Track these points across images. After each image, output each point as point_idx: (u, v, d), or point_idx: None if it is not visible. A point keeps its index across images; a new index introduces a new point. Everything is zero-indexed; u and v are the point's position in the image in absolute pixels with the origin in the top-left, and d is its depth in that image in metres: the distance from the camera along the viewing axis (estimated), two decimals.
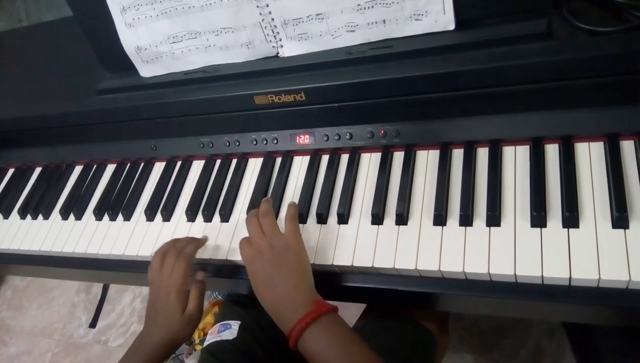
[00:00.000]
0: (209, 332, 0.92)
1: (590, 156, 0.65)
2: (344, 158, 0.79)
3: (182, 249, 0.73)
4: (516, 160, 0.69)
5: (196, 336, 1.48)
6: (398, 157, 0.75)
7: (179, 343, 0.71)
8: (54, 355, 1.82)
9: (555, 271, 0.58)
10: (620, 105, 0.64)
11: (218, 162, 0.88)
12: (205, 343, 0.89)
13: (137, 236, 0.85)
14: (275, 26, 0.75)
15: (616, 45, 0.60)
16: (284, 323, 0.63)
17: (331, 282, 0.70)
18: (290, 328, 0.60)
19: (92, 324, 1.84)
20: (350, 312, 1.40)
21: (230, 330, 0.88)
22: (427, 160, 0.73)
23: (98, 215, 0.91)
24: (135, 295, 1.85)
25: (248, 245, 0.68)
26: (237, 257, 0.75)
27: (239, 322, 0.88)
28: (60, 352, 1.82)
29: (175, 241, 0.76)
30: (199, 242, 0.77)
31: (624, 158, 0.63)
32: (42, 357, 1.83)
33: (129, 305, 1.84)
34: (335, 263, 0.69)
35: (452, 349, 1.35)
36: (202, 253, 0.77)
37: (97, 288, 1.92)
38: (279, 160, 0.84)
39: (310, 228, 0.74)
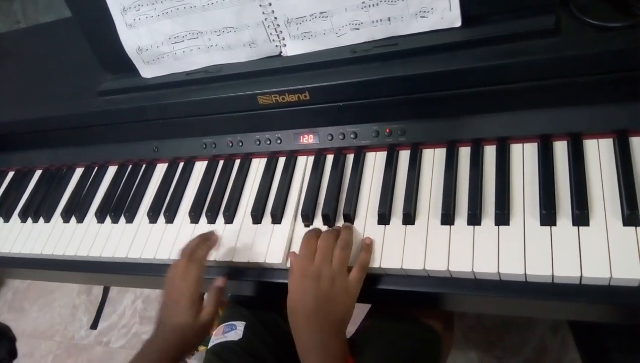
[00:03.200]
0: (214, 332, 0.92)
1: (599, 153, 0.65)
2: (349, 157, 0.78)
3: (194, 251, 0.72)
4: (524, 158, 0.68)
5: None
6: (404, 155, 0.75)
7: (188, 350, 0.70)
8: (55, 357, 1.81)
9: (566, 270, 0.58)
10: (630, 102, 0.63)
11: (221, 162, 0.87)
12: (210, 344, 0.89)
13: (139, 239, 0.84)
14: (278, 25, 0.74)
15: (625, 40, 0.59)
16: (308, 358, 0.63)
17: None
18: None
19: (94, 325, 1.84)
20: (355, 311, 1.40)
21: (236, 330, 0.87)
22: (433, 159, 0.73)
23: (100, 217, 0.90)
24: (136, 295, 1.84)
25: (310, 260, 0.66)
26: (241, 259, 0.75)
27: (244, 323, 0.87)
28: (61, 353, 1.82)
29: (191, 241, 0.74)
30: (211, 243, 0.75)
31: (633, 155, 0.63)
32: (43, 359, 1.82)
33: (130, 306, 1.83)
34: None
35: (456, 347, 1.35)
36: (209, 255, 0.76)
37: (98, 289, 1.91)
38: (282, 160, 0.83)
39: None
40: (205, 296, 0.73)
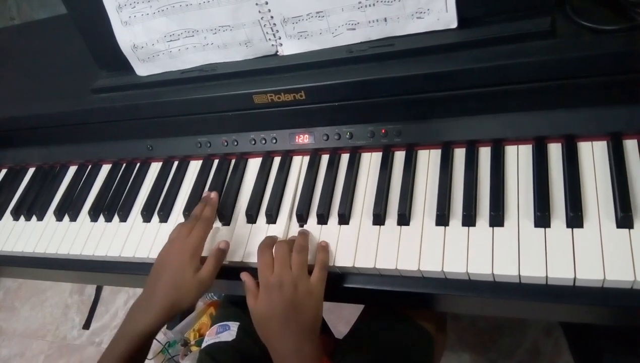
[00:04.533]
0: (207, 333, 0.91)
1: (593, 155, 0.65)
2: (344, 158, 0.78)
3: (200, 213, 0.73)
4: (519, 159, 0.68)
5: (192, 337, 1.47)
6: (399, 156, 0.75)
7: (183, 307, 0.68)
8: (47, 357, 1.80)
9: (560, 271, 0.58)
10: (624, 105, 0.63)
11: (216, 162, 0.87)
12: (204, 345, 0.88)
13: (133, 237, 0.84)
14: (274, 24, 0.74)
15: (620, 43, 0.60)
16: None
17: (332, 283, 0.69)
18: None
19: (86, 325, 1.83)
20: (347, 311, 1.40)
21: (229, 331, 0.87)
22: (428, 160, 0.73)
23: (93, 216, 0.89)
24: (129, 295, 1.83)
25: (270, 271, 0.65)
26: (236, 258, 0.74)
27: (237, 323, 0.87)
28: (53, 353, 1.80)
29: (195, 208, 0.75)
30: (213, 202, 0.76)
31: (627, 157, 0.63)
32: (34, 359, 1.81)
33: (122, 306, 1.82)
34: (337, 264, 0.68)
35: (450, 348, 1.35)
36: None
37: (91, 289, 1.90)
38: (278, 160, 0.83)
39: (311, 229, 0.73)
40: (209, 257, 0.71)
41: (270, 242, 0.69)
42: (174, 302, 0.66)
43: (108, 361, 0.66)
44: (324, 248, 0.69)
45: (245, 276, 0.69)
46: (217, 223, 0.80)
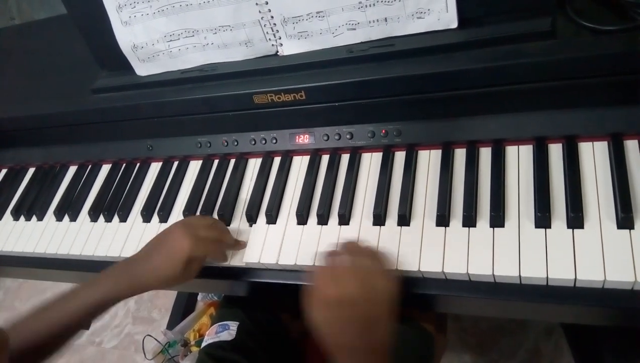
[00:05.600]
0: (207, 333, 0.91)
1: (594, 156, 0.65)
2: (345, 158, 0.78)
3: (223, 235, 0.73)
4: (519, 160, 0.68)
5: (192, 338, 1.47)
6: (399, 157, 0.75)
7: (170, 282, 0.67)
8: None
9: (560, 272, 0.58)
10: (625, 105, 0.63)
11: (216, 162, 0.87)
12: (203, 345, 0.88)
13: (133, 237, 0.84)
14: (274, 24, 0.74)
15: (621, 44, 0.60)
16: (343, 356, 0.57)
17: None
18: None
19: (86, 325, 1.82)
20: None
21: (229, 330, 0.86)
22: (429, 160, 0.73)
23: (93, 216, 0.89)
24: None
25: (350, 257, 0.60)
26: (236, 258, 0.74)
27: (237, 323, 0.87)
28: None
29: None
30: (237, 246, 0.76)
31: (628, 158, 0.63)
32: None
33: (123, 306, 1.82)
34: None
35: (451, 349, 1.34)
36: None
37: None
38: (278, 160, 0.82)
39: (311, 230, 0.73)
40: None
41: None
42: (165, 270, 0.67)
43: (77, 299, 0.66)
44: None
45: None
46: None
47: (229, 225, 0.79)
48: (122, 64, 0.84)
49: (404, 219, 0.68)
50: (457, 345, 1.36)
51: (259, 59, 0.78)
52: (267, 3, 0.72)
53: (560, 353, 1.27)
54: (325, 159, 0.79)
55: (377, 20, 0.69)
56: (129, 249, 0.82)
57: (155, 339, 1.32)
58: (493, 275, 0.60)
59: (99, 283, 0.68)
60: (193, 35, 0.78)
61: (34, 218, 0.95)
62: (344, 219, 0.71)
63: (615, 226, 0.59)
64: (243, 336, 0.85)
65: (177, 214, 0.84)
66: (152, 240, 0.71)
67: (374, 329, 0.57)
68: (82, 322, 0.68)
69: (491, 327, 1.36)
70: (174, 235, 0.69)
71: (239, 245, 0.75)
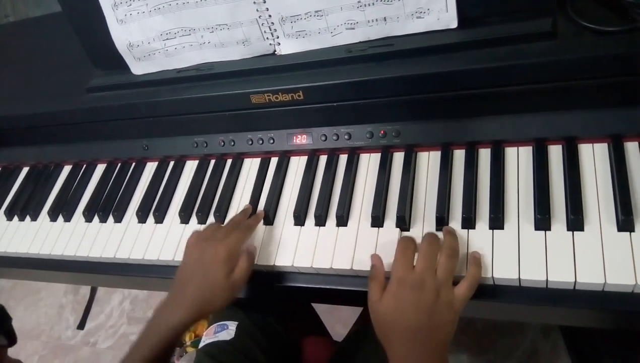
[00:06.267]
0: (205, 333, 0.90)
1: (594, 158, 0.64)
2: (343, 158, 0.77)
3: (239, 221, 0.71)
4: (519, 161, 0.67)
5: (187, 338, 1.46)
6: (398, 157, 0.74)
7: (214, 308, 0.66)
8: (41, 358, 1.79)
9: (560, 275, 0.57)
10: (625, 106, 0.63)
11: (212, 162, 0.86)
12: (201, 345, 0.87)
13: (128, 238, 0.83)
14: (272, 23, 0.73)
15: (622, 45, 0.59)
16: None
17: (330, 285, 0.69)
18: None
19: (81, 326, 1.81)
20: (345, 313, 1.40)
21: (228, 330, 0.86)
22: (428, 161, 0.72)
23: (88, 216, 0.88)
24: (124, 296, 1.82)
25: (409, 267, 0.58)
26: None
27: (236, 323, 0.86)
28: (47, 354, 1.79)
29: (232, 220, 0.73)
30: (259, 215, 0.74)
31: (628, 160, 0.62)
32: (29, 359, 1.79)
33: (117, 307, 1.81)
34: (334, 266, 0.68)
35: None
36: None
37: (85, 289, 1.89)
38: (275, 160, 0.82)
39: (309, 231, 0.72)
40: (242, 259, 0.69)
41: (413, 239, 0.62)
42: (205, 301, 0.64)
43: (133, 359, 0.63)
44: (477, 261, 0.60)
45: (375, 259, 0.61)
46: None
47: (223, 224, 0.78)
48: (117, 62, 0.83)
49: (403, 221, 0.67)
50: (453, 345, 1.35)
51: (256, 58, 0.78)
52: (264, 2, 0.71)
53: (557, 354, 1.27)
54: (323, 159, 0.79)
55: (376, 20, 0.69)
56: (124, 250, 0.81)
57: None
58: (492, 277, 0.60)
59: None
60: (189, 34, 0.77)
61: (28, 218, 0.94)
62: (342, 220, 0.71)
63: (615, 229, 0.59)
64: (242, 336, 0.84)
65: (172, 215, 0.83)
66: (177, 275, 0.68)
67: (439, 323, 0.56)
68: None
69: (488, 327, 1.36)
70: (197, 250, 0.67)
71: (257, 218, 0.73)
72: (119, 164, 0.93)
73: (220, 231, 0.70)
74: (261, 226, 0.75)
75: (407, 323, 0.55)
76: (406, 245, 0.60)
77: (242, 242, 0.68)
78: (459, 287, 0.57)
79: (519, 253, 0.60)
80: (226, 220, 0.78)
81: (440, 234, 0.64)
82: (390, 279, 0.58)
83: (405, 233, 0.67)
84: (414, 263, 0.59)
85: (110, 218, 0.86)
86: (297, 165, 0.80)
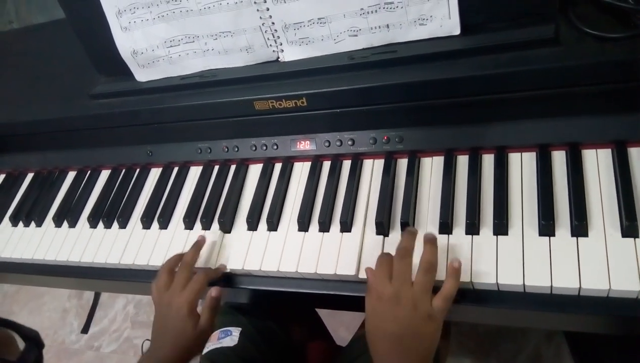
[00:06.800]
0: (208, 338, 0.91)
1: (598, 163, 0.64)
2: (346, 164, 0.77)
3: (192, 264, 0.72)
4: (523, 167, 0.68)
5: None
6: (402, 163, 0.74)
7: (190, 356, 0.69)
8: (45, 362, 1.79)
9: (565, 281, 0.57)
10: (628, 112, 0.63)
11: (216, 168, 0.86)
12: (205, 351, 0.87)
13: (133, 244, 0.83)
14: (275, 30, 0.73)
15: (625, 51, 0.59)
16: None
17: (334, 291, 0.69)
18: None
19: (84, 330, 1.82)
20: (348, 317, 1.40)
21: (231, 337, 0.86)
22: (431, 167, 0.72)
23: (92, 222, 0.88)
24: (128, 300, 1.82)
25: (386, 281, 0.59)
26: (237, 266, 0.74)
27: (239, 329, 0.86)
28: (51, 358, 1.79)
29: (182, 256, 0.74)
30: (218, 271, 0.75)
31: (632, 165, 0.62)
32: None
33: (121, 311, 1.81)
34: (339, 272, 0.68)
35: (451, 353, 1.34)
36: (204, 263, 0.75)
37: (89, 293, 1.89)
38: (279, 166, 0.82)
39: (312, 237, 0.72)
40: (200, 302, 0.72)
41: (391, 255, 0.63)
42: (180, 354, 0.68)
43: None
44: (456, 272, 0.60)
45: (369, 272, 0.62)
46: (217, 230, 0.79)
47: (229, 232, 0.78)
48: (121, 69, 0.83)
49: (406, 227, 0.67)
50: (457, 349, 1.35)
51: (259, 65, 0.78)
52: (268, 9, 0.71)
53: (561, 358, 1.27)
54: (326, 165, 0.79)
55: (379, 27, 0.69)
56: (129, 256, 0.81)
57: None
58: (497, 283, 0.60)
59: None
60: (193, 41, 0.78)
61: (33, 224, 0.94)
62: (346, 226, 0.71)
63: (619, 234, 0.59)
64: (245, 342, 0.84)
65: (177, 220, 0.83)
66: (153, 329, 0.71)
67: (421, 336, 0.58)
68: None
69: (491, 331, 1.35)
70: (163, 306, 0.70)
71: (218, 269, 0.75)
72: (123, 170, 0.94)
73: (178, 278, 0.70)
74: (265, 232, 0.76)
75: (389, 335, 0.58)
76: (383, 261, 0.62)
77: (199, 292, 0.69)
78: (435, 299, 0.59)
79: (523, 259, 0.60)
80: (232, 228, 0.78)
81: (440, 236, 0.65)
82: (370, 293, 0.61)
83: None
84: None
85: (115, 224, 0.87)
86: (301, 171, 0.80)
